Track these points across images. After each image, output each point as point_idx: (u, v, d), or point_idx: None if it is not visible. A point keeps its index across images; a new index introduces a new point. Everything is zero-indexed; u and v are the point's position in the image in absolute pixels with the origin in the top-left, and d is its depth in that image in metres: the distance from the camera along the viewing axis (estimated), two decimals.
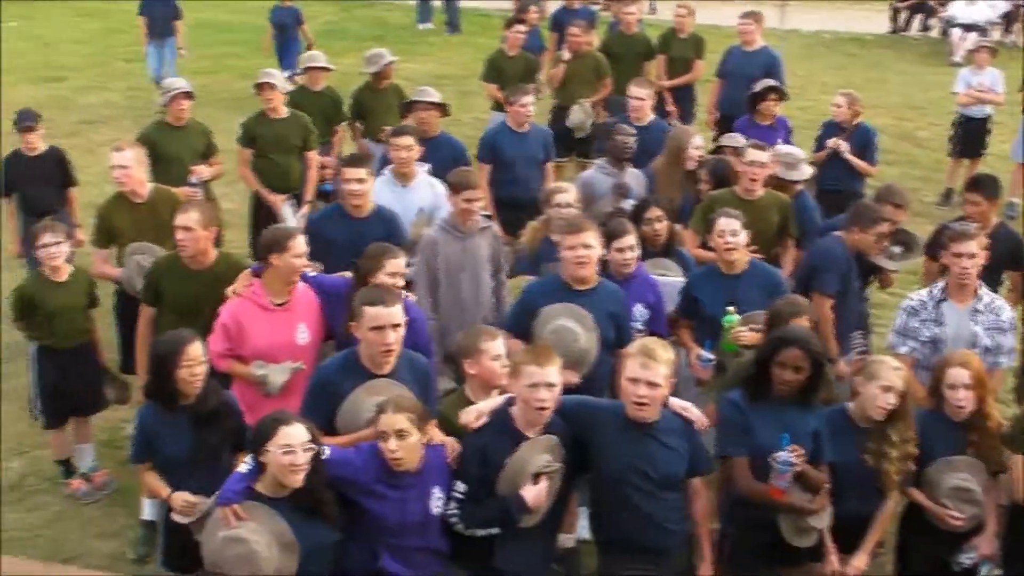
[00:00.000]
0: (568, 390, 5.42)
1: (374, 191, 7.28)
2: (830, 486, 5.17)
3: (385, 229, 6.80)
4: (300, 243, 5.78)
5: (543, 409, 4.63)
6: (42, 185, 8.57)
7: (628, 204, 7.37)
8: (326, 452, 4.61)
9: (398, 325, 4.98)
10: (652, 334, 6.19)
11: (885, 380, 5.12)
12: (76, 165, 9.10)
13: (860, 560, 5.28)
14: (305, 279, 5.99)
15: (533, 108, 8.75)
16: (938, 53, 18.86)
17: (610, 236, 6.18)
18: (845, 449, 5.23)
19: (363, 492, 4.62)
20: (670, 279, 6.58)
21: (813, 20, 20.80)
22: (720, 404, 5.27)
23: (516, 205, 8.29)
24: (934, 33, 20.20)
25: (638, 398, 4.64)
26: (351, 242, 6.40)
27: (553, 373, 4.64)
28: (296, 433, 4.44)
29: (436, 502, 4.71)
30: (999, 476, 5.39)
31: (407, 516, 4.64)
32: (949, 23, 19.00)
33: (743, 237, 6.25)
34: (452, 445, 4.81)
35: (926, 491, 5.36)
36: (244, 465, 4.63)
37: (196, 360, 5.07)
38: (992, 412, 5.39)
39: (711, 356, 5.97)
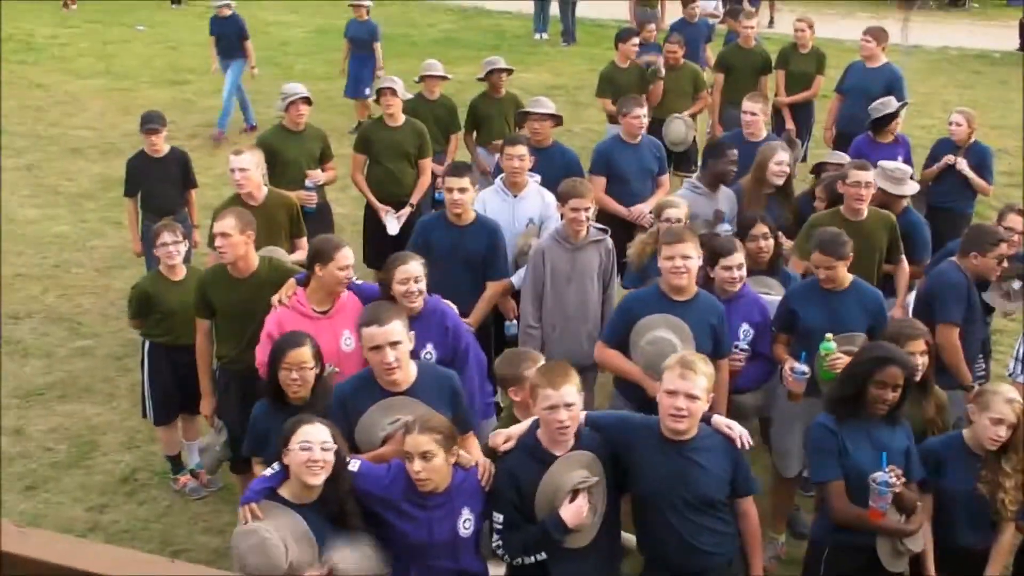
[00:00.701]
0: None
1: (484, 200, 7.36)
2: (938, 512, 5.06)
3: (486, 238, 6.85)
4: (345, 255, 5.76)
5: (564, 430, 4.55)
6: (164, 186, 8.78)
7: (724, 229, 7.25)
8: (355, 465, 4.60)
9: (396, 342, 4.92)
10: (756, 355, 6.14)
11: (996, 413, 4.99)
12: (197, 166, 9.34)
13: None
14: (348, 287, 5.97)
15: (646, 120, 8.70)
16: None
17: (718, 254, 6.12)
18: (960, 476, 5.11)
19: (390, 509, 4.57)
20: (773, 298, 6.47)
21: (938, 36, 20.31)
22: (811, 429, 5.15)
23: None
24: None
25: (676, 410, 4.51)
26: (452, 249, 6.49)
27: (571, 392, 4.51)
28: (316, 431, 4.46)
29: (465, 524, 4.60)
30: None
31: (434, 536, 4.56)
32: None
33: (847, 258, 6.07)
34: (485, 466, 4.69)
35: None
36: (270, 470, 4.64)
37: (296, 364, 5.14)
38: None
39: (805, 369, 5.85)
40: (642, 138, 8.66)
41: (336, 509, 4.53)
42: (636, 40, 11.34)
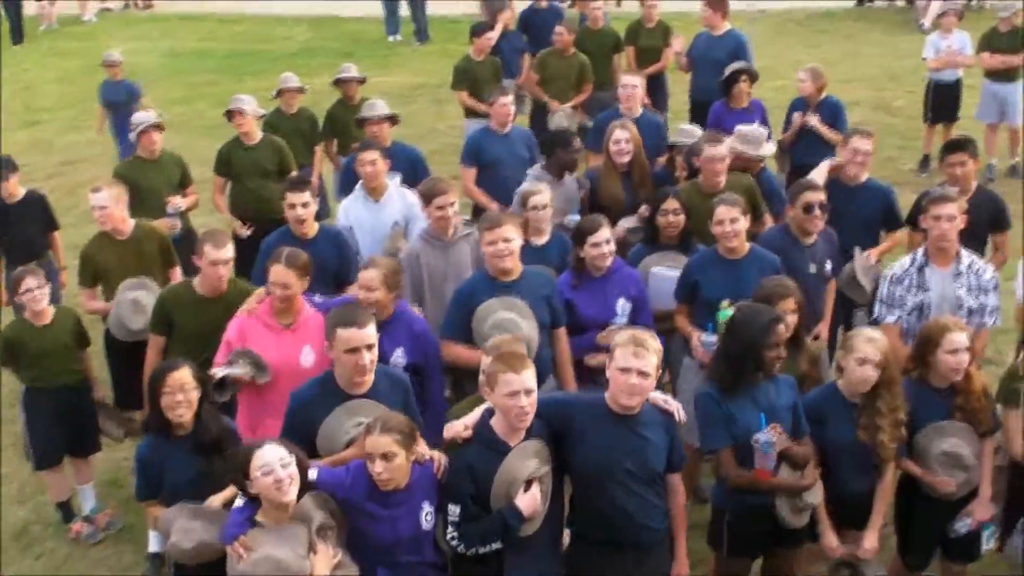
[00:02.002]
0: None
1: (347, 209, 7.42)
2: (824, 462, 5.21)
3: (334, 246, 6.89)
4: (277, 273, 5.77)
5: (524, 416, 4.63)
6: (25, 231, 8.52)
7: (572, 220, 7.30)
8: (313, 474, 4.62)
9: (372, 345, 4.98)
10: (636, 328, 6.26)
11: (860, 353, 5.15)
12: (60, 206, 9.12)
13: (870, 540, 5.32)
14: (312, 303, 6.03)
15: (513, 108, 8.77)
16: (907, 21, 18.90)
17: (585, 232, 6.23)
18: (840, 426, 5.26)
19: (354, 511, 4.64)
20: (676, 273, 6.56)
21: None
22: (696, 399, 5.26)
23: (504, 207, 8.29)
24: (899, 2, 20.22)
25: (629, 387, 4.64)
26: None
27: (530, 377, 4.62)
28: (270, 452, 4.47)
29: (427, 517, 4.71)
30: (991, 438, 5.42)
31: (399, 533, 4.65)
32: None
33: (743, 223, 6.26)
34: (439, 459, 4.79)
35: (916, 459, 5.39)
36: (239, 500, 4.64)
37: (178, 387, 5.06)
38: (976, 374, 5.41)
39: (714, 339, 5.94)
40: (512, 127, 8.73)
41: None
42: (491, 34, 11.45)
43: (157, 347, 6.36)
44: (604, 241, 6.24)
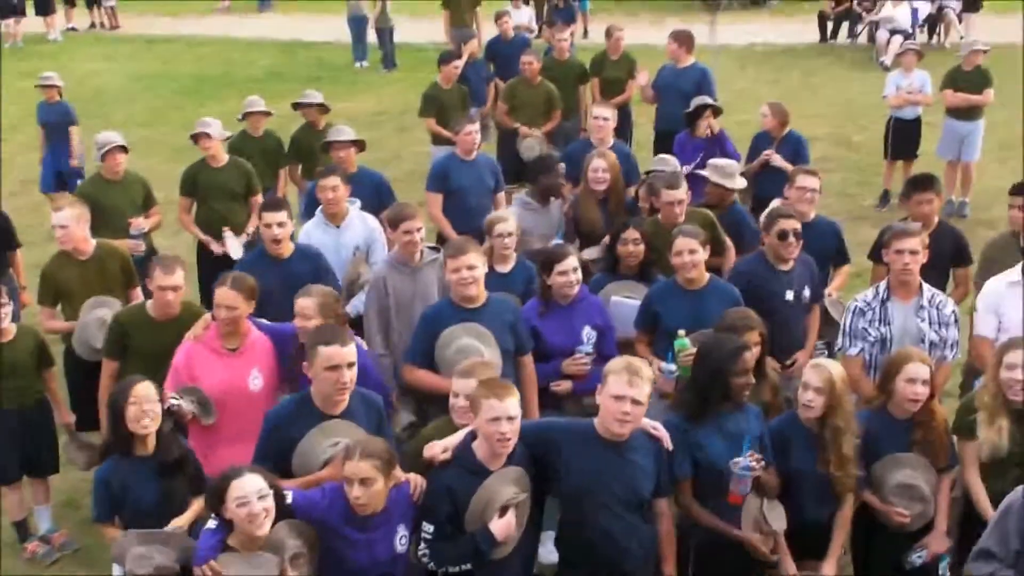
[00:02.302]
0: None
1: (309, 233, 7.42)
2: (786, 490, 5.26)
3: (311, 265, 6.88)
4: (222, 295, 5.77)
5: (505, 442, 4.65)
6: None
7: (556, 243, 7.36)
8: (289, 497, 4.61)
9: (353, 364, 4.99)
10: (601, 356, 6.26)
11: (804, 378, 5.26)
12: (21, 225, 9.04)
13: (829, 567, 5.35)
14: (259, 327, 6.01)
15: (479, 136, 8.82)
16: (868, 59, 19.25)
17: (552, 260, 6.27)
18: (802, 455, 5.31)
19: (330, 534, 4.62)
20: (637, 302, 6.60)
21: (744, 33, 21.14)
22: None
23: (468, 234, 8.30)
24: (862, 39, 20.56)
25: (623, 415, 4.66)
26: (281, 284, 6.41)
27: (514, 405, 4.63)
28: (248, 483, 4.43)
29: (402, 540, 4.72)
30: (948, 473, 5.48)
31: (375, 556, 4.64)
32: (877, 26, 19.40)
33: (702, 254, 6.31)
34: (416, 482, 4.79)
35: (873, 489, 5.44)
36: (212, 522, 4.60)
37: (143, 399, 5.06)
38: (938, 409, 5.48)
39: (674, 368, 5.99)
40: (478, 155, 8.79)
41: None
42: (458, 62, 11.56)
43: (110, 371, 6.32)
44: (572, 269, 6.27)
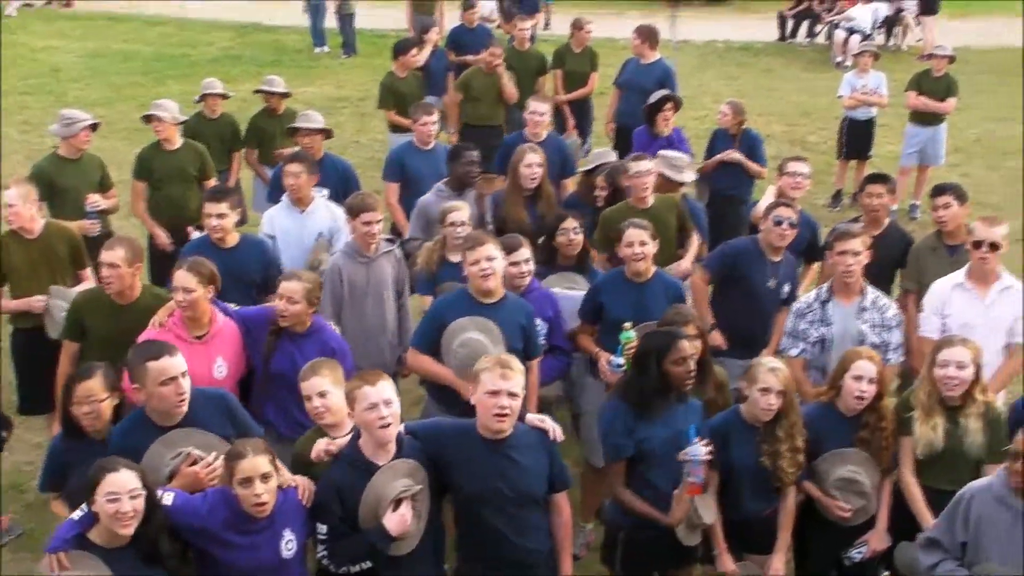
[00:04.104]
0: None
1: (272, 217, 7.41)
2: (725, 485, 5.34)
3: (257, 254, 6.87)
4: (178, 277, 5.74)
5: (387, 427, 4.58)
6: None
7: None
8: (168, 499, 4.51)
9: (185, 372, 4.91)
10: (552, 347, 6.32)
11: (762, 383, 5.28)
12: None
13: (778, 562, 5.45)
14: (227, 312, 5.98)
15: (436, 127, 8.82)
16: (825, 59, 19.42)
17: (504, 250, 6.21)
18: (743, 450, 5.38)
19: (211, 540, 4.51)
20: (578, 293, 6.64)
21: (704, 30, 21.21)
22: (601, 414, 5.33)
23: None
24: (820, 39, 20.74)
25: (500, 409, 4.63)
26: (225, 273, 6.24)
27: (387, 388, 4.60)
28: (123, 480, 4.30)
29: (288, 545, 4.61)
30: (892, 473, 5.55)
31: (260, 562, 4.54)
32: (834, 26, 19.59)
33: (651, 247, 6.36)
34: (304, 485, 4.73)
35: (816, 483, 5.52)
36: (78, 512, 4.44)
37: (86, 398, 5.01)
38: (886, 413, 5.53)
39: (621, 360, 5.99)
40: (435, 144, 8.77)
41: (150, 550, 4.41)
42: (414, 51, 11.53)
43: (70, 353, 6.26)
44: (524, 260, 6.31)
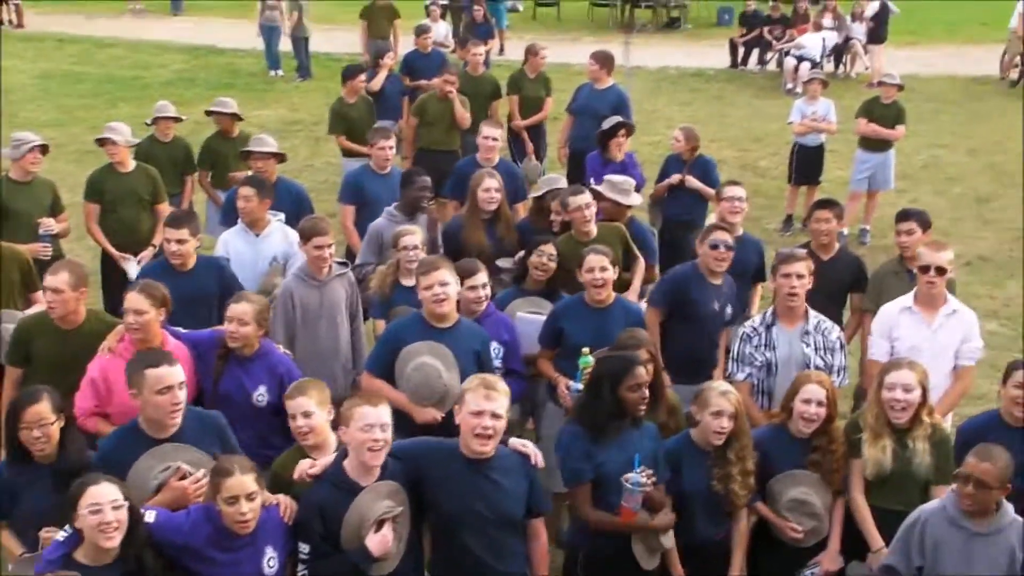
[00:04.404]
0: (431, 428, 5.50)
1: (227, 241, 7.38)
2: (677, 509, 5.33)
3: (215, 277, 6.84)
4: (130, 299, 5.72)
5: (377, 450, 4.61)
6: None
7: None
8: (150, 516, 4.51)
9: (183, 383, 4.95)
10: (509, 371, 6.33)
11: (714, 407, 5.32)
12: None
13: None
14: (176, 335, 5.95)
15: (393, 151, 8.85)
16: (775, 86, 19.68)
17: (462, 275, 6.26)
18: (694, 474, 5.40)
19: (194, 557, 4.52)
20: (542, 318, 6.65)
21: (657, 56, 21.44)
22: (559, 438, 5.35)
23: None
24: (771, 66, 21.02)
25: (483, 429, 4.65)
26: (182, 296, 6.26)
27: (386, 413, 4.64)
28: (104, 491, 4.33)
29: (270, 562, 4.62)
30: (843, 495, 5.59)
31: None
32: (784, 54, 19.87)
33: (611, 273, 6.40)
34: (286, 503, 4.75)
35: (768, 504, 5.57)
36: (62, 533, 4.44)
37: (36, 422, 4.94)
38: (837, 435, 5.59)
39: (580, 386, 6.00)
40: (391, 168, 8.79)
41: (135, 567, 4.40)
42: (363, 76, 11.58)
43: (13, 379, 6.17)
44: (481, 285, 6.33)
